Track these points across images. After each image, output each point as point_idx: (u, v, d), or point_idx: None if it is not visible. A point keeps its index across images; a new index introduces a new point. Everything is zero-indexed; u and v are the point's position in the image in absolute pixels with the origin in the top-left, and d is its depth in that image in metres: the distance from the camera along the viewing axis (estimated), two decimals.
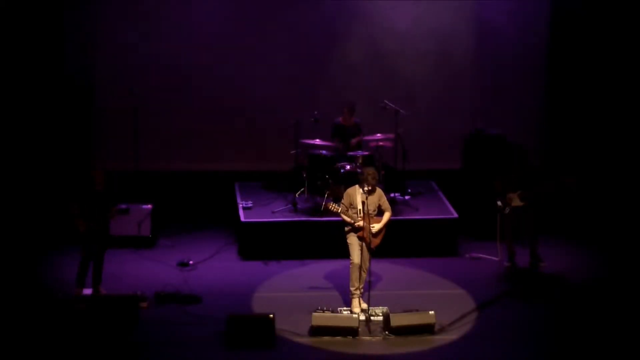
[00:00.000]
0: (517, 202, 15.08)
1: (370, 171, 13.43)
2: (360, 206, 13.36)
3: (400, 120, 16.33)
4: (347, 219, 13.40)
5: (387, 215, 13.60)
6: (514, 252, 15.33)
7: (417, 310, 13.07)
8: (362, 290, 13.61)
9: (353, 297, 13.52)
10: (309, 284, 14.60)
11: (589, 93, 18.01)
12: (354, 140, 16.45)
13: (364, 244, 13.45)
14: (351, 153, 16.10)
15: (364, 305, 13.51)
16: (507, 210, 15.05)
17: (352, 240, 13.49)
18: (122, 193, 14.67)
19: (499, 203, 15.09)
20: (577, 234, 16.62)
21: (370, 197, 13.42)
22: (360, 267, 13.46)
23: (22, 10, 16.98)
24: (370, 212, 13.41)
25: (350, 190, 13.55)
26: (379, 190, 13.58)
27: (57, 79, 17.33)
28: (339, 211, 13.38)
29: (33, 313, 13.25)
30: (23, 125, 17.17)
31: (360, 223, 13.34)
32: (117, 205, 13.92)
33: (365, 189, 13.36)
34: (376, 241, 13.51)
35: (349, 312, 13.22)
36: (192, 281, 14.65)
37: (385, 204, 13.59)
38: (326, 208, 13.62)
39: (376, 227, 13.46)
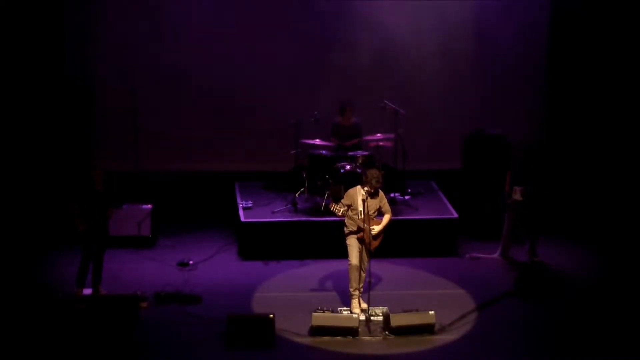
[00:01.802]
0: (518, 196, 15.15)
1: (374, 174, 13.37)
2: (360, 207, 13.34)
3: (400, 120, 16.33)
4: (351, 220, 13.36)
5: (387, 218, 13.57)
6: (509, 247, 15.40)
7: (417, 310, 13.07)
8: (361, 290, 13.61)
9: (352, 298, 13.51)
10: (309, 284, 14.60)
11: (589, 93, 18.01)
12: (348, 143, 16.42)
13: (363, 245, 13.45)
14: (351, 153, 16.10)
15: (364, 305, 13.50)
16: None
17: (351, 241, 13.47)
18: (122, 193, 14.67)
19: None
20: (577, 233, 16.61)
21: (371, 199, 13.39)
22: (360, 268, 13.46)
23: (22, 10, 16.98)
24: (370, 213, 13.38)
25: (351, 190, 13.52)
26: (380, 192, 13.55)
27: (57, 79, 17.33)
28: (341, 213, 13.35)
29: (33, 313, 13.25)
30: (23, 126, 17.16)
31: (361, 224, 13.33)
32: (113, 205, 13.94)
33: (366, 189, 13.34)
34: (375, 243, 13.49)
35: (349, 312, 13.22)
36: (192, 281, 14.65)
37: (386, 206, 13.56)
38: (327, 208, 13.59)
39: (376, 229, 13.43)
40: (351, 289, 13.50)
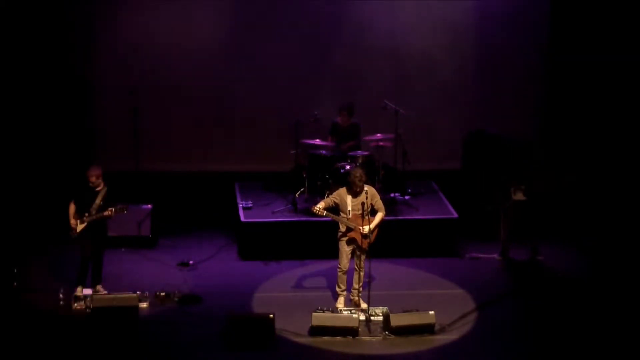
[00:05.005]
0: (520, 196, 15.15)
1: (356, 173, 13.33)
2: (349, 207, 13.33)
3: (400, 120, 16.33)
4: (333, 217, 13.36)
5: (379, 216, 13.51)
6: (509, 248, 15.42)
7: (417, 310, 13.07)
8: (361, 290, 13.62)
9: (339, 297, 13.62)
10: (309, 284, 14.61)
11: (588, 93, 18.01)
12: (345, 146, 16.38)
13: (356, 247, 13.44)
14: (351, 153, 16.10)
15: (364, 305, 13.51)
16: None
17: (342, 246, 13.48)
18: (122, 193, 14.65)
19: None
20: (577, 233, 16.60)
21: (361, 199, 13.33)
22: (358, 270, 13.49)
23: (22, 10, 16.99)
24: (361, 212, 13.30)
25: (341, 190, 13.51)
26: (371, 191, 13.48)
27: (57, 78, 17.33)
28: (325, 214, 13.35)
29: (33, 313, 13.24)
30: (23, 125, 17.17)
31: (349, 225, 13.32)
32: (116, 205, 13.92)
33: (357, 189, 13.31)
34: (366, 241, 13.41)
35: (349, 312, 13.22)
36: (192, 281, 14.65)
37: (378, 204, 13.49)
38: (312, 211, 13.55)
39: (365, 229, 13.37)
40: (338, 290, 13.63)
